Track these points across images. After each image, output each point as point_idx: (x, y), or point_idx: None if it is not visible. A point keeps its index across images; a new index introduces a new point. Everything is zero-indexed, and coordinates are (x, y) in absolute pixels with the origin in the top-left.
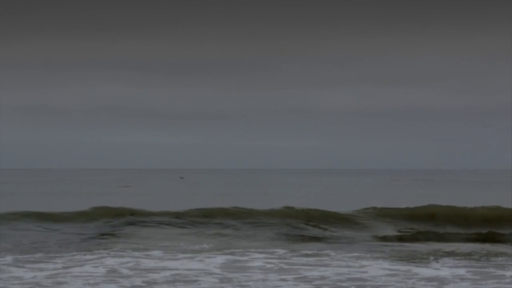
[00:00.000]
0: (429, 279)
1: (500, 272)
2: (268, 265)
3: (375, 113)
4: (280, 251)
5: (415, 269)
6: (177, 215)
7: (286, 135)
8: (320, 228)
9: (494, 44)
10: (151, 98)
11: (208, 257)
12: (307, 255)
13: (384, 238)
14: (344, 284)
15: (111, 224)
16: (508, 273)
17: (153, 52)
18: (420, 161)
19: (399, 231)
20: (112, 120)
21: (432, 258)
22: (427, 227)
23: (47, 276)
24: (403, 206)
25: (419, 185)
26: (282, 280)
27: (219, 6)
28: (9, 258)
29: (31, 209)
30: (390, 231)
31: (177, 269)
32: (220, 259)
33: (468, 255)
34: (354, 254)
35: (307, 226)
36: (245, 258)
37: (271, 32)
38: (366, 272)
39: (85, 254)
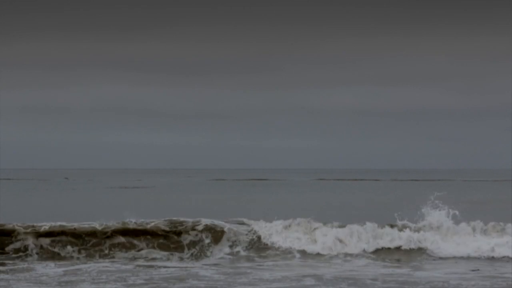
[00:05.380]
0: None
1: None
2: (259, 267)
3: (377, 113)
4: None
5: None
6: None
7: (286, 135)
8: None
9: (495, 44)
10: (151, 98)
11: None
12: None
13: None
14: None
15: None
16: None
17: (153, 52)
18: (420, 161)
19: None
20: (112, 120)
21: None
22: None
23: None
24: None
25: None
26: (278, 280)
27: (219, 6)
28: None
29: None
30: None
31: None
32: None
33: None
34: None
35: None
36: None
37: (271, 32)
38: None
39: None
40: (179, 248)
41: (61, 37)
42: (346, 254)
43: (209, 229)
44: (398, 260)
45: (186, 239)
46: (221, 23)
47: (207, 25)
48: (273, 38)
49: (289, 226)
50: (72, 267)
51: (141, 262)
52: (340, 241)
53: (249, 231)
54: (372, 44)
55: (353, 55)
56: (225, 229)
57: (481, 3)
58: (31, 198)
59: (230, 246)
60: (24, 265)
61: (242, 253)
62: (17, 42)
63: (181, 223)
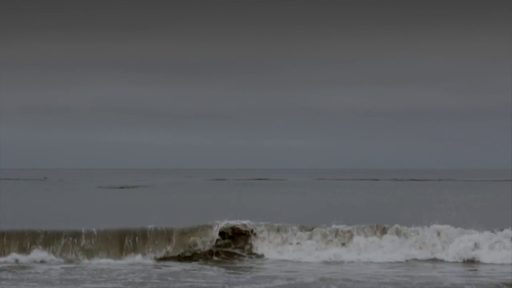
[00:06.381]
0: None
1: None
2: (259, 266)
3: (377, 113)
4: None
5: None
6: None
7: (286, 135)
8: None
9: (495, 44)
10: (151, 98)
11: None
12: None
13: None
14: None
15: None
16: None
17: (153, 52)
18: (420, 161)
19: None
20: (112, 120)
21: None
22: None
23: None
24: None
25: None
26: (277, 278)
27: (219, 6)
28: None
29: None
30: None
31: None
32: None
33: None
34: None
35: None
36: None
37: (271, 32)
38: None
39: None
40: (180, 248)
41: (61, 37)
42: (346, 254)
43: (209, 229)
44: (398, 261)
45: (187, 239)
46: (221, 23)
47: (207, 25)
48: (273, 38)
49: (288, 226)
50: (73, 266)
51: (140, 262)
52: (340, 241)
53: (249, 231)
54: (372, 44)
55: (353, 55)
56: (225, 229)
57: (481, 3)
58: (31, 198)
59: (230, 246)
60: (26, 264)
61: (242, 252)
62: (17, 42)
63: (189, 228)
